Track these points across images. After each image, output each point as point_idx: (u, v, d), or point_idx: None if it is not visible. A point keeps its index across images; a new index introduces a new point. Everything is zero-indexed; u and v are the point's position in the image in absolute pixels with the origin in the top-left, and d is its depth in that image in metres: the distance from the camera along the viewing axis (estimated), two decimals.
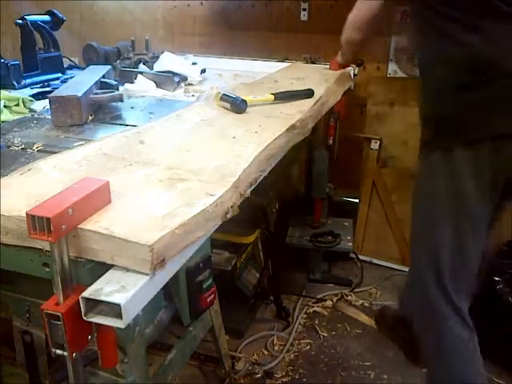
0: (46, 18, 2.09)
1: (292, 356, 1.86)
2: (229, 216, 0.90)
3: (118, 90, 1.63)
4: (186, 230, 0.78)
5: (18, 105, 1.54)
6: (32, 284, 0.85)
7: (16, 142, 1.21)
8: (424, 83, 1.25)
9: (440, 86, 1.19)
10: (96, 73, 1.69)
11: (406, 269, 2.35)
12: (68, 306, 0.69)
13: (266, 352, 1.88)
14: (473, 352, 1.24)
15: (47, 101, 1.38)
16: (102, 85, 1.63)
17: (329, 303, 2.16)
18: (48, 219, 0.65)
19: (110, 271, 0.72)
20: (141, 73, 1.87)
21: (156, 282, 0.75)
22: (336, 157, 2.31)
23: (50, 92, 1.54)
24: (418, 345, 1.44)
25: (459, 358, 1.25)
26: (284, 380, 1.75)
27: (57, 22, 2.11)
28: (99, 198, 0.78)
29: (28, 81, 1.87)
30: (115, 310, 0.66)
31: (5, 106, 1.49)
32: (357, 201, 2.50)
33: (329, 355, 1.88)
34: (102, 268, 0.73)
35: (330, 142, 2.23)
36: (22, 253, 0.78)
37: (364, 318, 2.07)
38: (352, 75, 2.07)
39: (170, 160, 1.03)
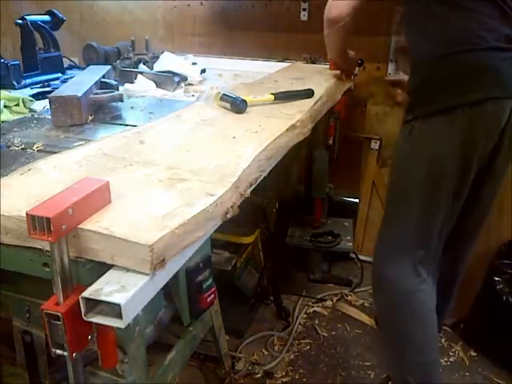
0: (46, 17, 2.09)
1: (292, 356, 1.87)
2: (229, 216, 0.90)
3: (118, 89, 1.63)
4: (186, 230, 0.78)
5: (18, 105, 1.54)
6: (32, 284, 0.85)
7: (16, 142, 1.21)
8: (411, 62, 1.35)
9: (422, 59, 1.31)
10: (96, 73, 1.69)
11: None
12: (68, 306, 0.69)
13: (266, 352, 1.88)
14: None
15: (47, 101, 1.38)
16: (102, 85, 1.63)
17: (329, 303, 2.17)
18: (48, 219, 0.65)
19: (110, 271, 0.72)
20: (141, 73, 1.87)
21: (156, 282, 0.75)
22: (336, 157, 2.30)
23: (49, 92, 1.54)
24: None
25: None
26: (284, 380, 1.76)
27: (57, 22, 2.11)
28: (99, 198, 0.78)
29: (28, 81, 1.87)
30: (115, 310, 0.66)
31: (5, 106, 1.49)
32: (357, 201, 2.50)
33: (329, 355, 1.88)
34: (102, 268, 0.73)
35: (330, 142, 2.23)
36: (21, 253, 0.78)
37: (364, 317, 2.07)
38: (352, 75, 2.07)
39: (170, 160, 1.03)
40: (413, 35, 1.34)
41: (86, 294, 0.67)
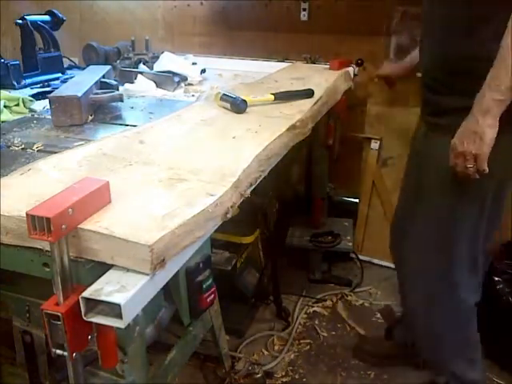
0: (46, 18, 2.09)
1: (292, 356, 1.86)
2: (229, 216, 0.90)
3: (118, 89, 1.63)
4: (186, 230, 0.78)
5: (18, 105, 1.54)
6: (32, 284, 0.85)
7: (16, 142, 1.21)
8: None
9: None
10: (96, 73, 1.69)
11: None
12: (68, 306, 0.69)
13: (266, 352, 1.88)
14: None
15: (47, 101, 1.38)
16: (102, 85, 1.63)
17: (329, 303, 2.16)
18: (48, 219, 0.65)
19: (110, 271, 0.72)
20: (141, 73, 1.87)
21: (156, 282, 0.75)
22: (336, 157, 2.30)
23: (50, 92, 1.54)
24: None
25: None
26: (284, 380, 1.75)
27: (57, 22, 2.11)
28: (99, 197, 0.78)
29: (28, 81, 1.87)
30: (115, 310, 0.66)
31: (5, 106, 1.48)
32: (357, 201, 2.50)
33: (329, 355, 1.88)
34: (102, 268, 0.73)
35: (330, 142, 2.23)
36: (21, 253, 0.78)
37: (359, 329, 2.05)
38: (352, 75, 2.08)
39: (170, 160, 1.03)
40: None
41: (86, 294, 0.67)
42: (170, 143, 1.14)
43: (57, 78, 1.97)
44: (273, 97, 1.49)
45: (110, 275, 0.71)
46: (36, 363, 0.99)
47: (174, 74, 1.87)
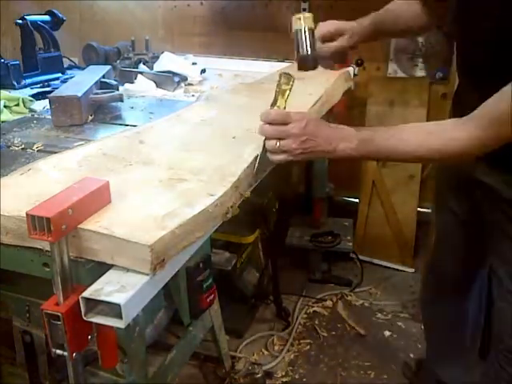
0: (46, 18, 2.09)
1: (292, 356, 1.86)
2: (229, 216, 0.90)
3: (118, 89, 1.63)
4: (186, 230, 0.78)
5: (18, 105, 1.54)
6: (32, 284, 0.86)
7: (16, 142, 1.21)
8: None
9: None
10: (96, 73, 1.69)
11: (406, 269, 2.38)
12: (68, 306, 0.69)
13: (266, 352, 1.88)
14: None
15: (47, 101, 1.38)
16: (102, 85, 1.63)
17: (329, 303, 2.16)
18: (48, 219, 0.65)
19: (110, 271, 0.72)
20: (141, 73, 1.87)
21: (156, 282, 0.75)
22: None
23: (50, 92, 1.54)
24: None
25: None
26: (284, 380, 1.75)
27: (57, 22, 2.11)
28: (99, 197, 0.78)
29: (28, 81, 1.87)
30: (115, 310, 0.66)
31: (5, 106, 1.49)
32: (357, 201, 2.50)
33: (329, 355, 1.88)
34: (102, 268, 0.73)
35: None
36: (21, 253, 0.78)
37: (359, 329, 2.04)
38: (352, 75, 2.07)
39: (170, 160, 1.03)
40: None
41: (86, 294, 0.67)
42: (170, 143, 1.14)
43: (57, 78, 1.97)
44: None
45: (109, 275, 0.71)
46: (36, 363, 0.99)
47: (174, 73, 1.87)
